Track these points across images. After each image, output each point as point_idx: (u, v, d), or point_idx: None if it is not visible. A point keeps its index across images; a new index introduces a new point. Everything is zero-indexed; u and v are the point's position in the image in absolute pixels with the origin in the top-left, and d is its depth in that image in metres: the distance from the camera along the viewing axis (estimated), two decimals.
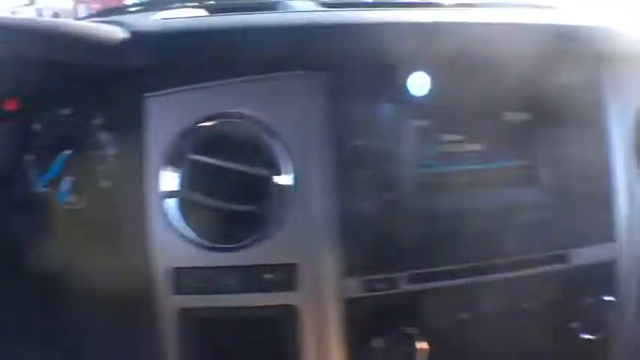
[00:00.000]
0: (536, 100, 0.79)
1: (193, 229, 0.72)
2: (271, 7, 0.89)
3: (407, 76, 0.75)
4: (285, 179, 0.73)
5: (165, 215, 0.72)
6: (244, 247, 0.72)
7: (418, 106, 0.76)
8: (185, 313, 0.73)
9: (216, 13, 0.92)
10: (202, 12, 0.93)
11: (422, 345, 0.71)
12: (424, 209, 0.74)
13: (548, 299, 0.80)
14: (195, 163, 0.72)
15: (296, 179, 0.72)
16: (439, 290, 0.75)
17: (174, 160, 0.72)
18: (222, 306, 0.73)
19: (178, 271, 0.72)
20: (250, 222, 0.73)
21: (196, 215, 0.72)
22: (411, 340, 0.71)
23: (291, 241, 0.72)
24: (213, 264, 0.72)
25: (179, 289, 0.72)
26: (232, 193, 0.73)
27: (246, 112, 0.73)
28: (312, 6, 0.89)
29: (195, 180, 0.72)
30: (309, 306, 0.72)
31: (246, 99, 0.73)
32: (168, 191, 0.72)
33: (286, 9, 0.89)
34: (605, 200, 0.81)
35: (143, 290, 0.73)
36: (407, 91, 0.75)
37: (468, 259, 0.76)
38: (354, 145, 0.72)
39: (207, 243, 0.72)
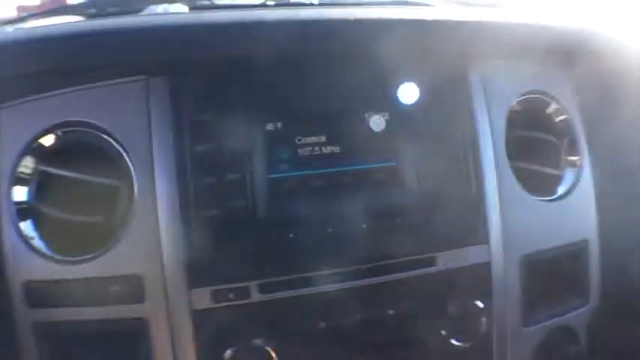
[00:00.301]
0: (399, 100, 0.77)
1: (45, 241, 0.71)
2: (137, 11, 0.88)
3: (258, 78, 0.73)
4: (130, 189, 0.71)
5: (17, 228, 0.71)
6: (92, 258, 0.70)
7: (269, 110, 0.73)
8: (40, 327, 0.71)
9: (94, 18, 0.91)
10: (79, 18, 0.92)
11: (271, 356, 0.69)
12: (275, 216, 0.72)
13: (417, 305, 0.77)
14: (44, 174, 0.71)
15: (141, 189, 0.71)
16: (294, 299, 0.73)
17: (24, 171, 0.71)
18: (75, 319, 0.71)
19: (32, 284, 0.71)
20: (99, 233, 0.72)
21: (47, 227, 0.71)
22: (260, 351, 0.69)
23: (136, 251, 0.70)
24: (64, 276, 0.70)
25: (33, 302, 0.71)
26: (82, 204, 0.72)
27: (92, 120, 0.72)
28: (178, 9, 0.87)
29: (46, 192, 0.72)
30: (159, 318, 0.71)
31: (91, 107, 0.72)
32: (20, 203, 0.71)
33: (151, 13, 0.87)
34: (475, 202, 0.79)
35: (0, 304, 0.72)
36: (257, 93, 0.73)
37: (327, 266, 0.73)
38: (198, 151, 0.71)
39: (57, 255, 0.70)
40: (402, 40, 0.75)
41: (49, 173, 0.71)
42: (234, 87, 0.72)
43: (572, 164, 0.89)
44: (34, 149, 0.71)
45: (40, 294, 0.71)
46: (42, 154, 0.72)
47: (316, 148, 0.75)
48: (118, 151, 0.72)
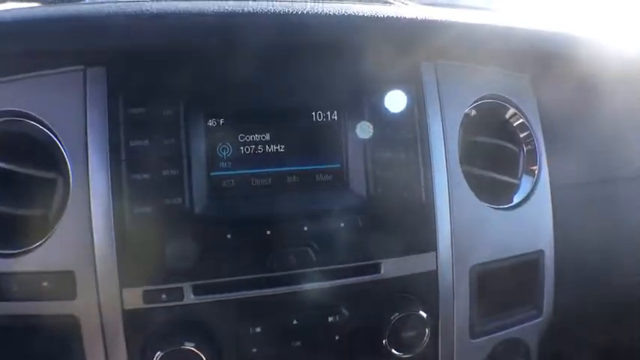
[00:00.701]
0: (348, 99, 0.74)
1: None
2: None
3: (199, 72, 0.71)
4: (66, 182, 0.69)
5: None
6: (25, 253, 0.69)
7: (211, 105, 0.71)
8: None
9: (51, 3, 0.89)
10: (36, 4, 0.90)
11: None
12: (213, 216, 0.70)
13: (359, 313, 0.75)
14: None
15: (75, 182, 0.69)
16: (229, 303, 0.71)
17: None
18: (4, 314, 0.69)
19: None
20: (36, 227, 0.70)
21: None
22: (191, 355, 0.67)
23: (68, 247, 0.68)
24: None
25: None
26: (18, 196, 0.70)
27: (28, 111, 0.70)
28: None
29: None
30: (90, 316, 0.69)
31: (27, 97, 0.70)
32: None
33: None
34: (424, 208, 0.76)
35: None
36: (198, 88, 0.71)
37: (264, 269, 0.71)
38: (134, 146, 0.68)
39: None
40: (352, 37, 0.73)
41: None
42: (174, 80, 0.70)
43: (530, 173, 0.86)
44: None
45: None
46: None
47: (259, 147, 0.73)
48: (55, 143, 0.70)
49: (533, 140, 0.86)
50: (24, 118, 0.70)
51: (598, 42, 0.87)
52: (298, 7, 0.68)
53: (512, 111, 0.86)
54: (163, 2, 0.69)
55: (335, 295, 0.73)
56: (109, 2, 0.71)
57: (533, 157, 0.86)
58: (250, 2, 0.68)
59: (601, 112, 0.91)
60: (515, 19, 0.83)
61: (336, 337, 0.74)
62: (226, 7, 0.67)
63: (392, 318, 0.73)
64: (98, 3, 0.74)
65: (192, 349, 0.67)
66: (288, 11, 0.68)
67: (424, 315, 0.74)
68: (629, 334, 1.04)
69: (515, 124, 0.87)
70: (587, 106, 0.87)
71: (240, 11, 0.67)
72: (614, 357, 1.07)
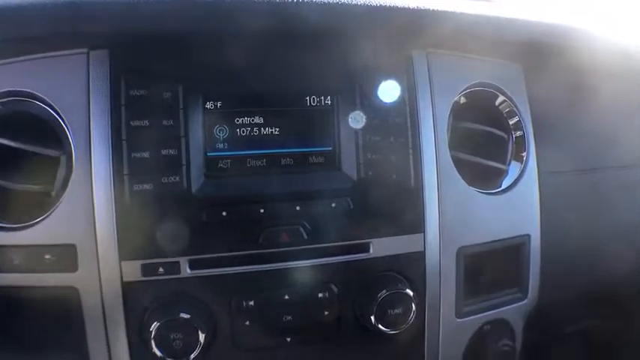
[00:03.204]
0: (341, 84, 0.77)
1: None
2: None
3: (199, 56, 0.74)
4: (69, 160, 0.72)
5: None
6: (27, 227, 0.72)
7: (208, 88, 0.74)
8: None
9: None
10: None
11: (197, 331, 0.70)
12: (209, 194, 0.73)
13: (348, 290, 0.78)
14: None
15: (78, 159, 0.72)
16: (224, 277, 0.74)
17: None
18: (7, 285, 0.72)
19: None
20: (39, 202, 0.73)
21: None
22: (186, 326, 0.70)
23: (70, 221, 0.71)
24: (1, 242, 0.72)
25: None
26: (22, 173, 0.73)
27: (33, 91, 0.72)
28: None
29: None
30: (90, 288, 0.72)
31: (32, 78, 0.72)
32: None
33: None
34: (413, 191, 0.79)
35: None
36: (197, 71, 0.74)
37: (259, 246, 0.74)
38: (135, 126, 0.71)
39: None
40: (345, 25, 0.75)
41: None
42: (174, 64, 0.73)
43: (518, 159, 0.89)
44: None
45: None
46: None
47: (255, 129, 0.76)
48: (58, 122, 0.73)
49: (522, 127, 0.88)
50: (29, 98, 0.73)
51: (592, 34, 0.88)
52: None
53: (501, 98, 0.88)
54: None
55: (325, 272, 0.76)
56: None
57: (521, 143, 0.89)
58: None
59: (591, 102, 0.93)
60: (510, 10, 0.85)
61: (326, 313, 0.77)
62: None
63: (379, 295, 0.76)
64: None
65: (187, 319, 0.70)
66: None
67: (411, 293, 0.76)
68: (613, 319, 1.07)
69: (504, 112, 0.89)
70: (578, 96, 0.89)
71: None
72: (597, 342, 1.10)
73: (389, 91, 0.78)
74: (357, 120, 0.77)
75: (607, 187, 0.95)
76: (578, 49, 0.87)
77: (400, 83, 0.79)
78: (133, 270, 0.71)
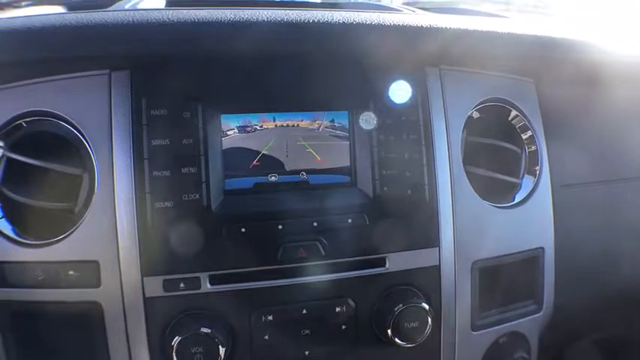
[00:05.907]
0: (357, 101, 0.78)
1: (8, 224, 0.74)
2: (119, 7, 0.90)
3: (218, 77, 0.75)
4: (92, 178, 0.74)
5: None
6: (52, 243, 0.73)
7: (228, 107, 0.76)
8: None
9: (74, 10, 0.93)
10: (59, 9, 0.94)
11: (217, 345, 0.72)
12: (229, 211, 0.75)
13: (365, 304, 0.79)
14: (11, 161, 0.74)
15: (101, 178, 0.74)
16: (244, 292, 0.75)
17: None
18: (33, 300, 0.74)
19: None
20: (61, 219, 0.75)
21: (12, 212, 0.75)
22: (207, 340, 0.71)
23: (93, 238, 0.73)
24: (25, 259, 0.73)
25: None
26: (46, 190, 0.75)
27: (56, 111, 0.74)
28: (156, 4, 0.89)
29: (12, 177, 0.75)
30: (113, 303, 0.73)
31: (55, 98, 0.74)
32: None
33: (127, 8, 0.89)
34: (428, 206, 0.80)
35: None
36: (218, 92, 0.75)
37: (277, 261, 0.75)
38: (156, 145, 0.73)
39: (20, 238, 0.74)
40: (361, 43, 0.77)
41: (15, 160, 0.74)
42: (194, 83, 0.74)
43: (531, 172, 0.90)
44: (1, 137, 0.74)
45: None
46: (8, 142, 0.75)
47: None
48: (81, 142, 0.75)
49: (535, 141, 0.89)
50: (53, 117, 0.75)
51: (603, 46, 0.89)
52: (309, 15, 0.72)
53: (514, 113, 0.89)
54: (184, 11, 0.73)
55: (342, 286, 0.78)
56: (130, 10, 0.76)
57: (534, 157, 0.89)
58: (264, 11, 0.73)
59: (603, 113, 0.94)
60: (521, 26, 0.86)
61: (343, 327, 0.78)
62: (242, 16, 0.72)
63: (395, 309, 0.77)
64: (120, 11, 0.79)
65: (208, 333, 0.71)
66: (301, 20, 0.73)
67: (426, 307, 0.77)
68: (628, 330, 1.07)
69: (517, 126, 0.90)
70: (590, 108, 0.90)
71: (255, 20, 0.71)
72: (613, 352, 1.10)
73: (403, 108, 0.79)
74: (372, 136, 0.79)
75: (621, 198, 0.95)
76: (589, 62, 0.88)
77: (414, 100, 0.80)
78: (154, 285, 0.73)
